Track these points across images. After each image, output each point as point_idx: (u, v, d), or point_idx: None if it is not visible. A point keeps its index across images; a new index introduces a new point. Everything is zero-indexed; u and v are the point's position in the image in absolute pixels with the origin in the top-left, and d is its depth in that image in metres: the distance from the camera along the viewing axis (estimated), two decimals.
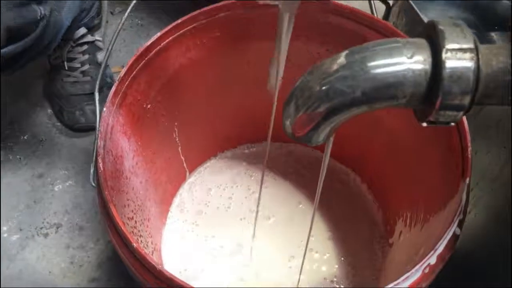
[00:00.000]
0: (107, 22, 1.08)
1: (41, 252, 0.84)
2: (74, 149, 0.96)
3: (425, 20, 0.77)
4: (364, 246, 0.72)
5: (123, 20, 0.54)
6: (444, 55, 0.26)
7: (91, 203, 0.90)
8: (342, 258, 0.71)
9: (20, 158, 0.95)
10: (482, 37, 1.00)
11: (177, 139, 0.71)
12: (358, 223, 0.75)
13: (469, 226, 0.61)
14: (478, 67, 0.26)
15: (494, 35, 0.99)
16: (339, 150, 0.78)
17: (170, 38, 0.58)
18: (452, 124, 0.29)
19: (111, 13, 1.14)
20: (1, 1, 0.56)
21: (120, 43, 1.11)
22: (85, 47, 0.92)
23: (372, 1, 0.86)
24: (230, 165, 0.81)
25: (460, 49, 0.26)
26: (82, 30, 0.88)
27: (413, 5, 0.78)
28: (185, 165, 0.76)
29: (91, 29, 0.91)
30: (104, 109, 0.51)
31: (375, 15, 0.83)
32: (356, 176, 0.80)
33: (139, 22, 1.14)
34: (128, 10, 0.54)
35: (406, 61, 0.27)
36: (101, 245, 0.85)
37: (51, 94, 0.98)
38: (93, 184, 0.52)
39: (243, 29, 0.62)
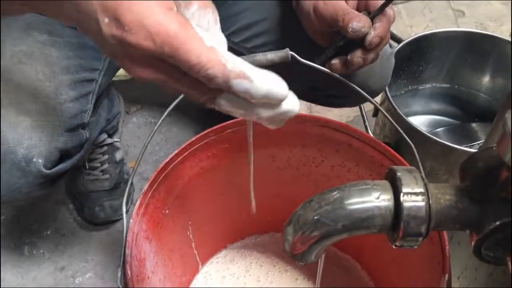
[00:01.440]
0: (123, 121, 1.19)
1: None
2: (93, 242, 1.04)
3: (406, 119, 0.87)
4: None
5: (152, 133, 0.62)
6: (402, 198, 0.35)
7: None
8: None
9: (43, 252, 1.02)
10: (464, 127, 1.11)
11: (191, 236, 0.79)
12: None
13: None
14: (429, 206, 0.35)
15: (475, 125, 1.09)
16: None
17: (185, 153, 0.67)
18: (415, 247, 0.37)
19: (127, 112, 1.26)
20: (55, 125, 0.65)
21: (135, 139, 1.21)
22: (105, 148, 1.02)
23: (362, 106, 0.98)
24: (240, 256, 0.88)
25: (413, 193, 0.35)
26: (104, 136, 0.98)
27: (395, 106, 0.88)
28: (197, 258, 0.83)
29: (110, 134, 1.02)
30: (131, 220, 0.60)
31: (365, 117, 0.94)
32: (356, 263, 0.86)
33: (152, 120, 1.25)
34: (159, 123, 0.62)
35: (375, 201, 0.36)
36: None
37: (72, 191, 1.07)
38: (121, 286, 0.59)
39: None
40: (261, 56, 0.62)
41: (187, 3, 0.37)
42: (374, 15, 0.59)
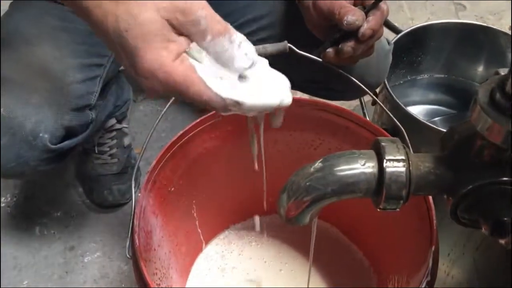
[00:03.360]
0: (130, 109, 1.23)
1: None
2: (101, 224, 1.08)
3: (403, 107, 0.90)
4: None
5: (157, 121, 0.66)
6: (384, 164, 0.39)
7: (116, 272, 1.00)
8: None
9: (54, 233, 1.07)
10: (461, 116, 1.14)
11: (195, 215, 0.83)
12: (359, 286, 0.84)
13: (449, 286, 0.71)
14: (409, 171, 0.39)
15: None
16: (338, 221, 0.90)
17: (192, 133, 0.71)
18: (397, 209, 0.41)
19: (134, 101, 1.30)
20: (61, 104, 0.70)
21: (141, 126, 1.25)
22: (114, 133, 1.06)
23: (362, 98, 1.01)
24: (242, 237, 0.92)
25: (395, 160, 0.39)
26: (113, 121, 1.02)
27: (393, 95, 0.92)
28: (201, 237, 0.88)
29: (120, 120, 1.06)
30: (139, 194, 0.64)
31: (364, 105, 0.97)
32: (352, 244, 0.90)
33: (158, 108, 1.29)
34: (163, 112, 0.66)
35: (360, 167, 0.40)
36: None
37: (82, 174, 1.11)
38: (128, 256, 0.63)
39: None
40: (260, 49, 0.66)
41: (201, 37, 0.43)
42: (368, 9, 0.63)
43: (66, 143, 0.72)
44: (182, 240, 0.81)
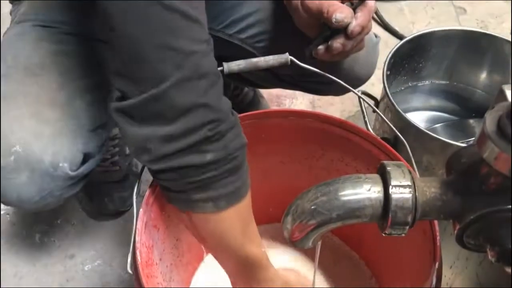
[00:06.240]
0: None
1: None
2: (102, 231, 1.08)
3: (405, 115, 0.90)
4: None
5: None
6: (390, 190, 0.38)
7: (117, 280, 1.00)
8: None
9: (54, 241, 1.06)
10: (462, 123, 1.14)
11: None
12: None
13: None
14: (415, 197, 0.38)
15: (472, 121, 1.12)
16: (340, 231, 0.90)
17: None
18: (403, 235, 0.40)
19: None
20: (75, 130, 0.69)
21: None
22: (116, 141, 1.05)
23: (362, 102, 1.01)
24: None
25: (401, 186, 0.38)
26: (116, 130, 1.02)
27: (395, 104, 0.91)
28: (203, 247, 0.87)
29: None
30: (141, 209, 0.63)
31: (365, 113, 0.97)
32: (355, 253, 0.90)
33: None
34: None
35: (366, 193, 0.40)
36: None
37: None
38: (130, 271, 0.63)
39: (256, 134, 0.75)
40: (262, 62, 0.66)
41: None
42: (356, 6, 0.64)
43: (85, 167, 0.72)
44: (183, 251, 0.80)
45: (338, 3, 0.63)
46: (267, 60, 0.67)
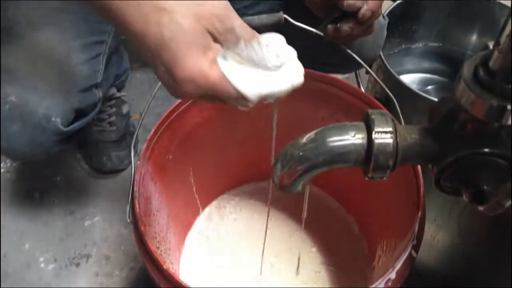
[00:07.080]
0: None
1: (74, 279, 0.97)
2: (100, 189, 1.11)
3: (396, 76, 0.92)
4: (354, 270, 0.85)
5: (155, 90, 0.67)
6: (373, 136, 0.41)
7: (116, 235, 1.04)
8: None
9: (54, 198, 1.09)
10: (453, 85, 1.15)
11: (192, 181, 0.85)
12: (349, 251, 0.88)
13: (435, 249, 0.75)
14: (396, 143, 0.41)
15: None
16: (328, 186, 0.93)
17: (188, 102, 0.73)
18: (384, 178, 0.43)
19: (130, 69, 1.30)
20: (69, 87, 0.71)
21: (138, 94, 1.27)
22: (113, 101, 1.07)
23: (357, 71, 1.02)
24: (237, 202, 0.95)
25: (383, 131, 0.41)
26: (113, 90, 1.03)
27: (387, 64, 0.93)
28: (198, 202, 0.90)
29: (119, 88, 1.07)
30: (138, 162, 0.66)
31: (358, 74, 0.99)
32: (342, 208, 0.94)
33: (154, 76, 1.30)
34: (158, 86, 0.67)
35: (351, 138, 0.42)
36: (125, 273, 0.98)
37: (80, 141, 1.13)
38: (129, 220, 0.65)
39: None
40: (255, 19, 0.67)
41: (235, 43, 0.46)
42: None
43: (77, 124, 0.74)
44: (180, 205, 0.83)
45: None
46: (261, 18, 0.68)
